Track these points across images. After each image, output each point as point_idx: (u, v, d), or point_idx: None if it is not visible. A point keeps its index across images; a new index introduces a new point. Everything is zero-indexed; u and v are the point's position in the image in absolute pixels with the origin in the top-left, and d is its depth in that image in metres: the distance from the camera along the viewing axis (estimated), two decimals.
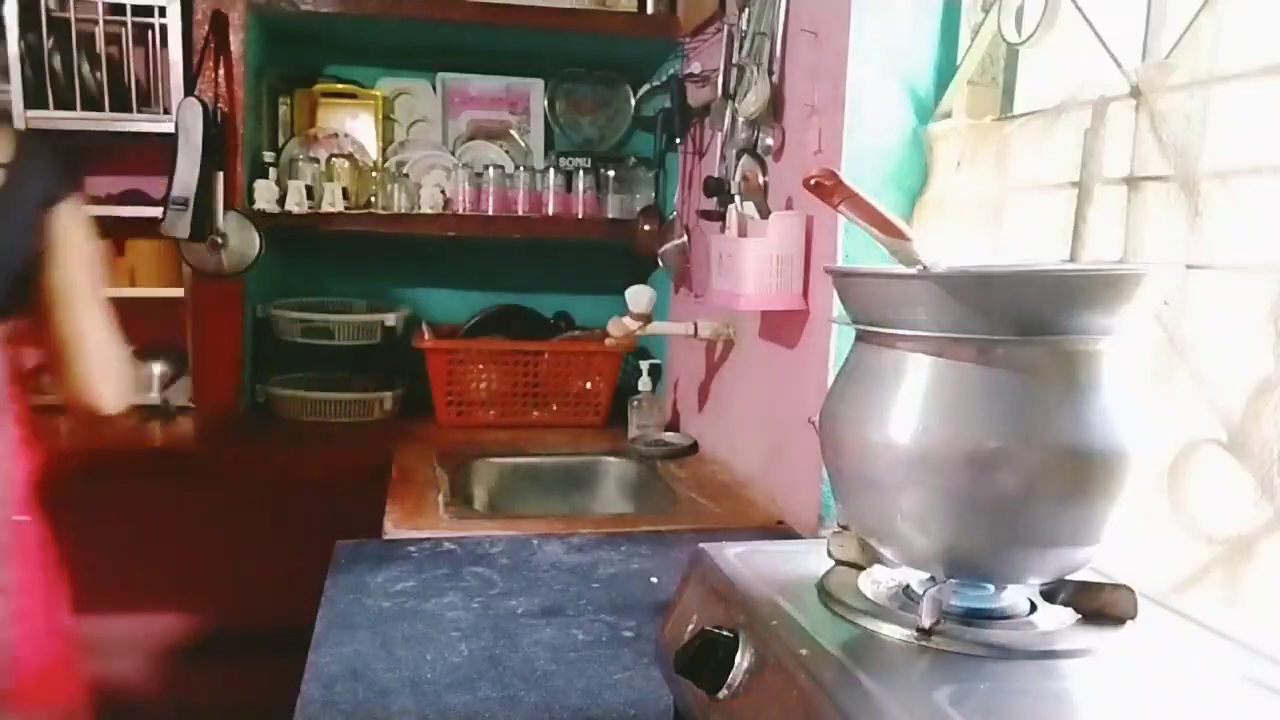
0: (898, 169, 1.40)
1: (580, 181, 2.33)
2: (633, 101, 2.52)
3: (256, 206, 2.17)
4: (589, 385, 2.27)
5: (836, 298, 0.78)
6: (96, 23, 2.15)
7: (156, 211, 2.10)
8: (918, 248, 0.68)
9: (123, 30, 2.22)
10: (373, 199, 2.27)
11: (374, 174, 2.28)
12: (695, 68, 2.00)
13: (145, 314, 2.43)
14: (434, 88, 2.45)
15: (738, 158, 1.69)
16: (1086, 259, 1.04)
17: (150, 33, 2.21)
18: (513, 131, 2.47)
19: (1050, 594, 0.73)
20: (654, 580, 1.27)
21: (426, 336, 2.25)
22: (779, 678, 0.64)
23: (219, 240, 2.12)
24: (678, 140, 2.11)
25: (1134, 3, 1.04)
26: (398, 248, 2.47)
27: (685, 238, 2.14)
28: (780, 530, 1.53)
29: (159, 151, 2.12)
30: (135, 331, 2.37)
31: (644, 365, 2.16)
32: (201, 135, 2.05)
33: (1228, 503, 0.87)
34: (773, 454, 1.67)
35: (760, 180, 1.63)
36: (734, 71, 1.77)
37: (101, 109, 2.14)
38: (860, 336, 0.74)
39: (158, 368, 2.31)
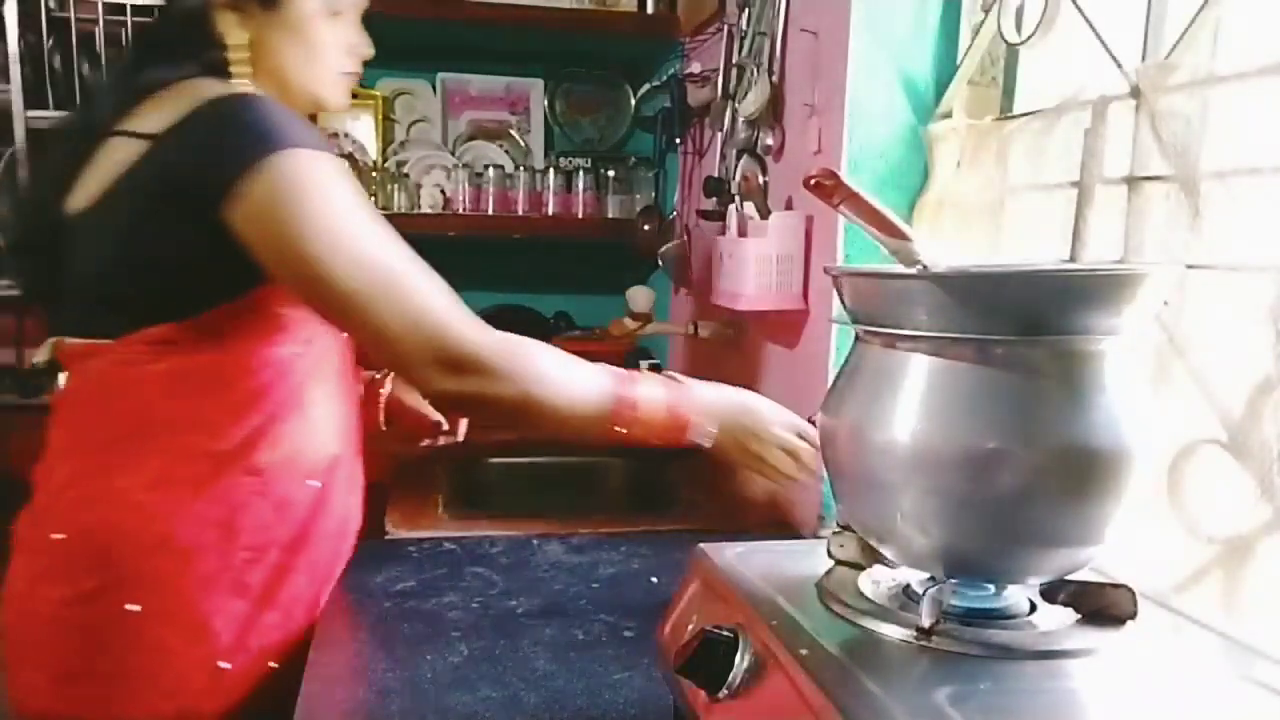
0: (898, 169, 1.40)
1: (580, 181, 2.33)
2: (633, 101, 2.52)
3: None
4: None
5: (836, 298, 0.78)
6: (96, 23, 2.15)
7: None
8: (918, 248, 0.68)
9: (123, 30, 2.22)
10: (373, 199, 2.27)
11: (374, 174, 2.28)
12: (695, 68, 2.00)
13: None
14: (434, 88, 2.45)
15: (738, 158, 1.69)
16: (1086, 259, 1.04)
17: None
18: (513, 131, 2.47)
19: (1050, 594, 0.73)
20: (654, 580, 1.27)
21: None
22: (779, 678, 0.64)
23: None
24: (678, 140, 2.11)
25: (1134, 3, 1.04)
26: None
27: (685, 238, 2.14)
28: (780, 530, 1.53)
29: None
30: None
31: (644, 365, 2.16)
32: None
33: (1228, 503, 0.87)
34: None
35: (760, 180, 1.63)
36: (734, 71, 1.77)
37: None
38: (860, 336, 0.74)
39: None
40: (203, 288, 0.97)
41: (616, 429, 1.01)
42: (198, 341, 0.97)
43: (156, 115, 0.95)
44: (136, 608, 0.93)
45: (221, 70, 1.01)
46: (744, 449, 1.09)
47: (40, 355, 1.05)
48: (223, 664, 0.98)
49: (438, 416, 1.34)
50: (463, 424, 1.37)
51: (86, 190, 0.97)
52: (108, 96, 1.00)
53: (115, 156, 0.96)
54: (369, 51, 1.12)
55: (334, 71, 1.09)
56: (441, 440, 1.36)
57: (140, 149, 0.94)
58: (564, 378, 1.01)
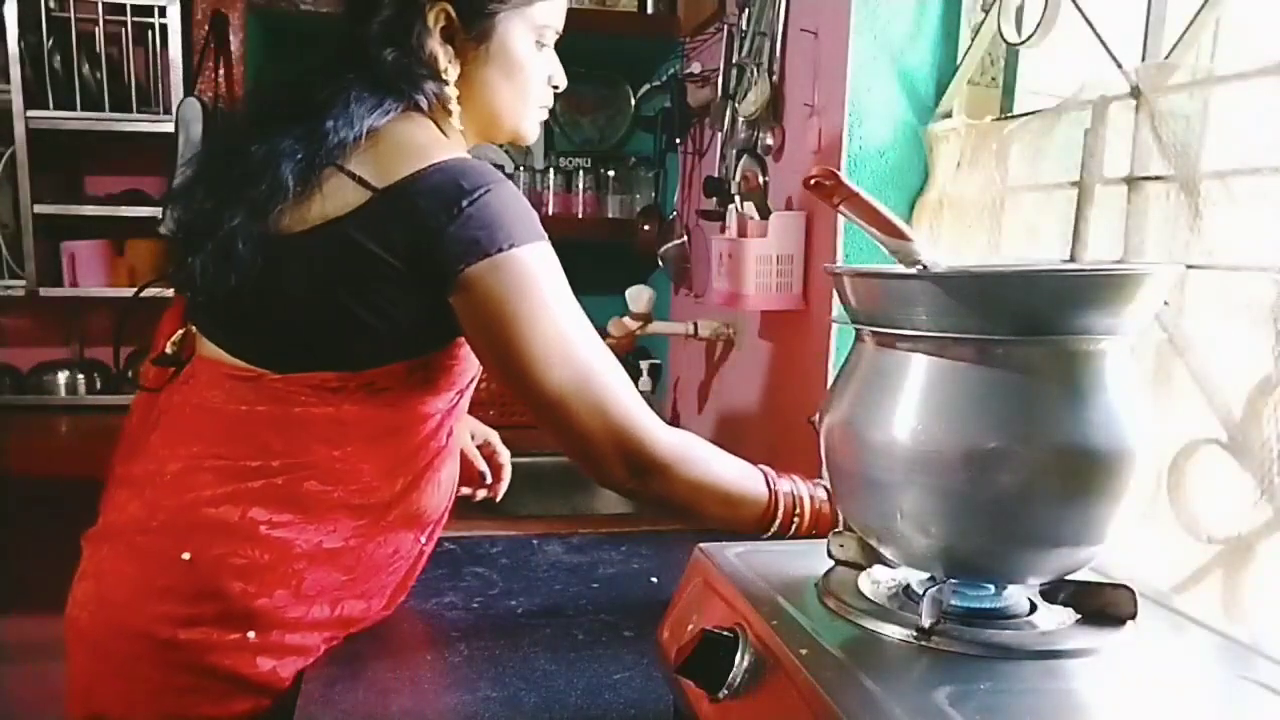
0: (898, 169, 1.40)
1: (580, 181, 2.33)
2: (633, 101, 2.52)
3: None
4: None
5: (836, 298, 0.78)
6: (96, 23, 2.15)
7: (156, 211, 2.10)
8: (918, 248, 0.68)
9: (123, 30, 2.23)
10: None
11: None
12: (695, 68, 2.00)
13: (145, 314, 2.44)
14: None
15: (738, 158, 1.69)
16: (1086, 259, 1.04)
17: (150, 33, 2.21)
18: None
19: (1050, 594, 0.73)
20: (654, 580, 1.27)
21: None
22: (779, 678, 0.64)
23: None
24: (678, 140, 2.11)
25: (1134, 3, 1.04)
26: None
27: (685, 238, 2.14)
28: None
29: (159, 151, 2.12)
30: (134, 332, 2.39)
31: (644, 365, 2.16)
32: (201, 135, 2.05)
33: (1228, 503, 0.87)
34: (772, 454, 1.67)
35: (760, 180, 1.63)
36: (734, 71, 1.77)
37: (101, 109, 2.14)
38: (860, 336, 0.74)
39: None
40: (389, 346, 0.95)
41: (770, 530, 1.06)
42: (363, 392, 0.95)
43: (376, 163, 0.93)
44: (252, 635, 0.93)
45: (431, 103, 1.00)
46: None
47: (170, 348, 1.03)
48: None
49: (484, 467, 1.33)
50: (503, 485, 1.36)
51: (299, 216, 0.93)
52: (340, 123, 0.94)
53: (334, 193, 0.92)
54: (564, 82, 1.10)
55: (536, 105, 1.08)
56: (480, 495, 1.35)
57: (359, 197, 0.91)
58: (731, 481, 1.05)
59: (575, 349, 0.95)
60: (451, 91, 1.01)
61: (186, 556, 0.92)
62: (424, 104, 1.00)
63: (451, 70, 1.00)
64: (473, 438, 1.34)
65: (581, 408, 0.95)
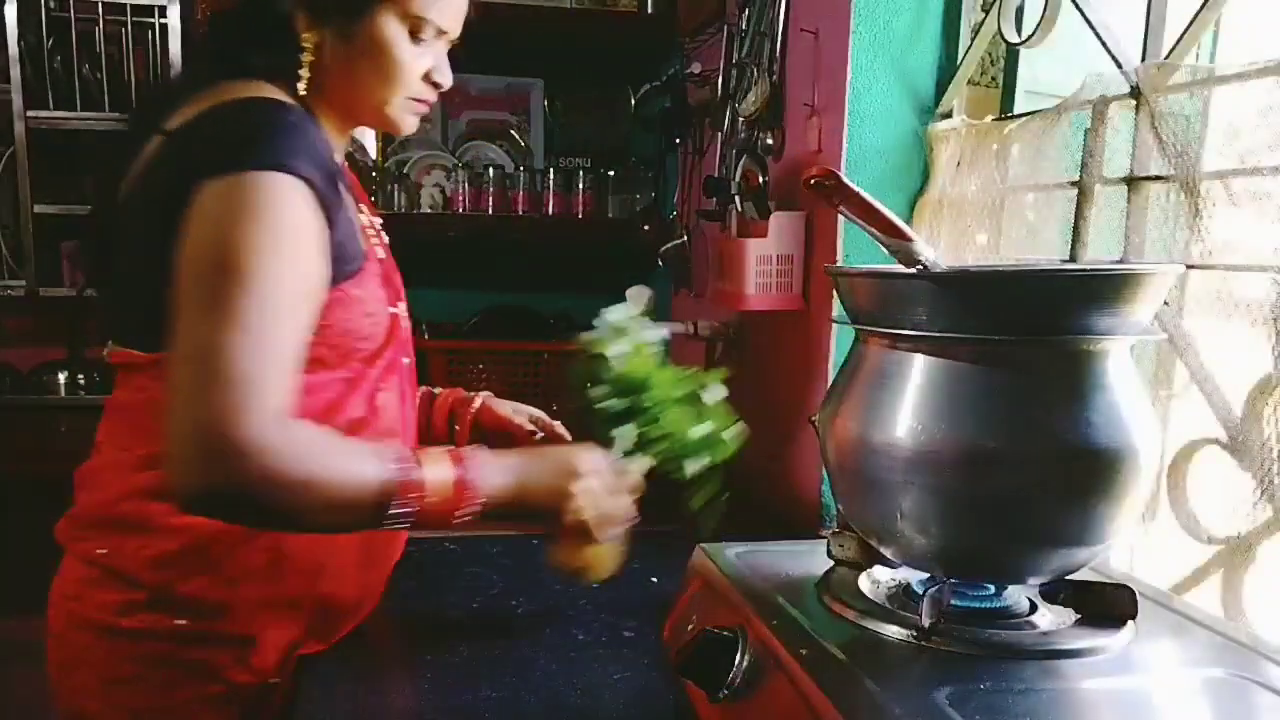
0: (898, 169, 1.40)
1: (580, 181, 2.33)
2: (633, 101, 2.52)
3: None
4: None
5: (837, 298, 0.78)
6: (96, 23, 2.15)
7: None
8: (918, 248, 0.68)
9: (123, 30, 2.22)
10: (373, 199, 2.27)
11: (374, 174, 2.28)
12: (695, 68, 2.00)
13: None
14: None
15: (738, 158, 1.69)
16: (1086, 259, 1.04)
17: (150, 33, 2.21)
18: (513, 131, 2.47)
19: (1050, 594, 0.73)
20: (654, 580, 1.27)
21: (426, 336, 2.25)
22: (779, 678, 0.64)
23: None
24: (678, 140, 2.11)
25: (1134, 3, 1.04)
26: (397, 248, 2.47)
27: (685, 238, 2.14)
28: (780, 530, 1.52)
29: None
30: None
31: None
32: None
33: (1228, 503, 0.87)
34: (772, 454, 1.67)
35: (760, 180, 1.63)
36: (734, 71, 1.77)
37: (101, 109, 2.14)
38: (860, 336, 0.74)
39: None
40: None
41: (396, 513, 0.85)
42: None
43: (184, 114, 0.90)
44: (182, 623, 0.93)
45: (285, 72, 0.96)
46: (569, 501, 0.98)
47: (107, 350, 1.02)
48: (274, 680, 0.97)
49: (531, 426, 1.22)
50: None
51: (126, 185, 0.93)
52: (175, 88, 0.94)
53: (147, 150, 0.92)
54: (447, 81, 1.06)
55: (406, 96, 1.02)
56: None
57: (156, 143, 0.90)
58: (336, 479, 0.83)
59: (248, 301, 0.79)
60: (305, 58, 0.96)
61: (102, 552, 0.94)
62: (272, 73, 0.95)
63: (308, 39, 0.96)
64: (516, 414, 1.26)
65: (186, 352, 0.79)
